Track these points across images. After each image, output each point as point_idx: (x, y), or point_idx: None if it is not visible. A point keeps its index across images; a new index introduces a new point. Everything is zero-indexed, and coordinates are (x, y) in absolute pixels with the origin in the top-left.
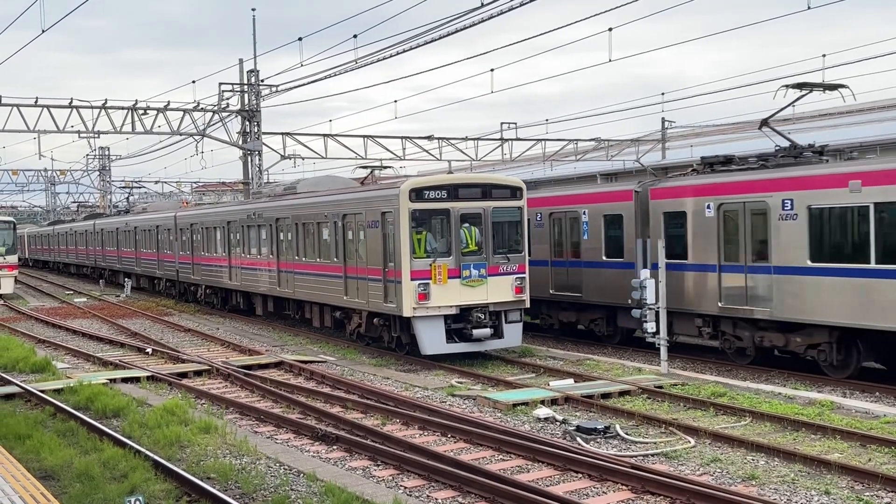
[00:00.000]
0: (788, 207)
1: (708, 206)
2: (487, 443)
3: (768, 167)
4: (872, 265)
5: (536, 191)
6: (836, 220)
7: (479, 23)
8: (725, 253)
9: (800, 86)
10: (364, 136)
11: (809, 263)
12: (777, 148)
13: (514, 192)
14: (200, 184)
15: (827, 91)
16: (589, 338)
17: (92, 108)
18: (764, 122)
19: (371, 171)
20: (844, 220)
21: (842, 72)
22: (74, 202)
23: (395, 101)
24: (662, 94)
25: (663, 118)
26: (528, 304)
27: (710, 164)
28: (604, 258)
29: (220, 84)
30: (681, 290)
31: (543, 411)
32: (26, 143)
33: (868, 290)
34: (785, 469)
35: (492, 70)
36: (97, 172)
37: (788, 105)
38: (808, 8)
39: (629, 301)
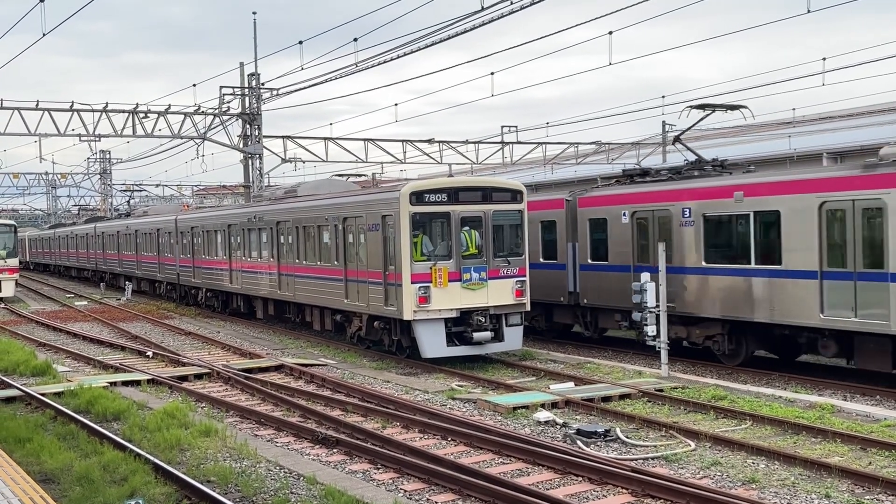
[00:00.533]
0: (687, 215)
1: (624, 214)
2: (488, 446)
3: (676, 179)
4: (752, 265)
5: None
6: (724, 227)
7: (480, 26)
8: (639, 255)
9: (702, 107)
10: (365, 140)
11: (704, 264)
12: (685, 161)
13: (515, 195)
14: (201, 187)
15: (729, 111)
16: (531, 332)
17: (93, 111)
18: (676, 139)
19: (347, 178)
20: (731, 227)
21: (842, 75)
22: (75, 205)
23: (396, 105)
24: (663, 96)
25: (664, 121)
26: (528, 308)
27: (630, 176)
28: (541, 260)
29: (221, 87)
30: (603, 288)
31: (544, 415)
32: (27, 146)
33: (750, 288)
34: (785, 472)
35: (492, 73)
36: (98, 176)
37: (693, 125)
38: (808, 11)
39: (561, 299)
